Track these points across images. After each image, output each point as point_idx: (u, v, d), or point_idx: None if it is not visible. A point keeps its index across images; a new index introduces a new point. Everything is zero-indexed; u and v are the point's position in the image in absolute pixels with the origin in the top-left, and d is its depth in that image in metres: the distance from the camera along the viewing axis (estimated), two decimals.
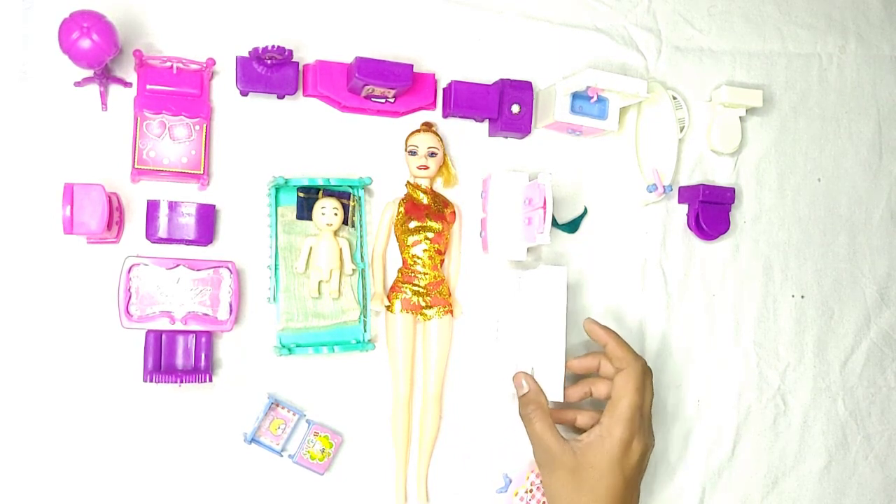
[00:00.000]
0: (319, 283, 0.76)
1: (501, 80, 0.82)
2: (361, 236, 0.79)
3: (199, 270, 0.73)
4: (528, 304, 0.80)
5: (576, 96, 0.82)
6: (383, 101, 0.79)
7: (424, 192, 0.80)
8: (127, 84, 0.73)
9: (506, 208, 0.81)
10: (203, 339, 0.73)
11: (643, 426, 0.75)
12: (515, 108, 0.82)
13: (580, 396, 0.81)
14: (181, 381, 0.71)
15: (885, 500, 1.00)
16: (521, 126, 0.83)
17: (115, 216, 0.70)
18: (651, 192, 0.85)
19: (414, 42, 0.83)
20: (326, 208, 0.76)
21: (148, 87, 0.73)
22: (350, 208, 0.78)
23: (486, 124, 0.85)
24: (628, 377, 0.75)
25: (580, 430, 0.79)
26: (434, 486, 0.81)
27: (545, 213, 0.75)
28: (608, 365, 0.79)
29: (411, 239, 0.79)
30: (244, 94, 0.77)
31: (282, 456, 0.76)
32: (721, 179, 0.93)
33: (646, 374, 0.76)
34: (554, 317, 0.78)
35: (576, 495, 0.73)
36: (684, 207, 0.91)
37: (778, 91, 0.97)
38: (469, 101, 0.81)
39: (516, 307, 0.82)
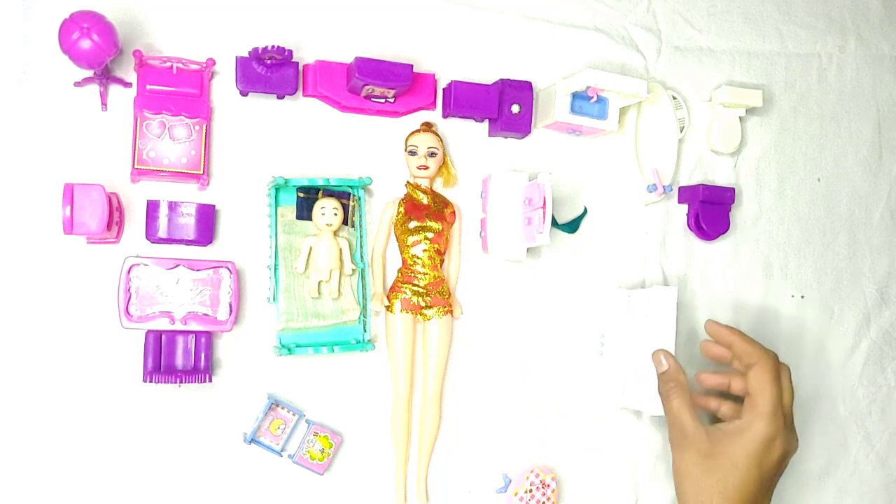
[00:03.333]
0: (319, 283, 0.76)
1: (501, 80, 0.82)
2: (361, 236, 0.79)
3: (198, 270, 0.73)
4: (637, 322, 0.81)
5: (576, 96, 0.82)
6: (383, 101, 0.79)
7: (424, 192, 0.80)
8: (127, 84, 0.73)
9: (505, 208, 0.81)
10: (203, 340, 0.73)
11: (787, 425, 0.72)
12: (515, 108, 0.82)
13: (717, 384, 0.79)
14: (181, 382, 0.71)
15: (885, 500, 0.99)
16: (521, 126, 0.83)
17: (115, 216, 0.70)
18: (651, 192, 0.85)
19: (414, 42, 0.83)
20: (326, 208, 0.76)
21: (148, 87, 0.73)
22: (350, 208, 0.78)
23: (486, 124, 0.85)
24: (762, 370, 0.72)
25: (720, 421, 0.77)
26: (434, 486, 0.81)
27: (545, 213, 0.75)
28: (738, 380, 0.77)
29: (411, 239, 0.79)
30: (244, 94, 0.77)
31: (281, 456, 0.76)
32: (721, 179, 0.93)
33: (781, 368, 0.73)
34: (663, 336, 0.78)
35: (704, 478, 0.70)
36: (684, 207, 0.91)
37: (778, 91, 0.97)
38: (469, 101, 0.81)
39: (624, 325, 0.83)
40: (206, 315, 0.72)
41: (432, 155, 0.79)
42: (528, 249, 0.81)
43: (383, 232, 0.80)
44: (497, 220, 0.81)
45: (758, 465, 0.69)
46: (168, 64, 0.73)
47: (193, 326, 0.72)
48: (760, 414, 0.71)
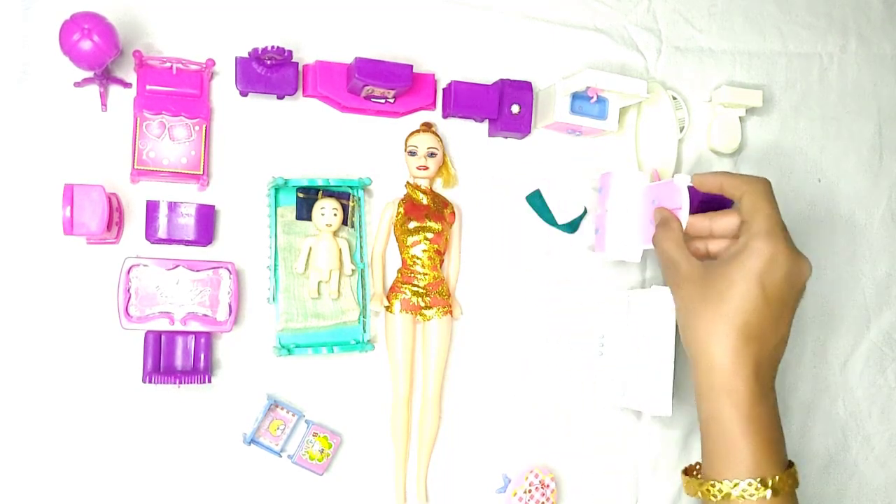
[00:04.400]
0: (319, 283, 0.76)
1: (501, 80, 0.82)
2: (361, 237, 0.79)
3: (198, 271, 0.73)
4: (637, 323, 0.81)
5: (576, 96, 0.82)
6: (383, 101, 0.79)
7: (424, 192, 0.80)
8: (127, 84, 0.73)
9: (626, 207, 0.79)
10: (202, 340, 0.73)
11: (788, 241, 0.65)
12: (515, 109, 0.82)
13: (703, 227, 0.72)
14: (180, 382, 0.71)
15: (885, 500, 0.99)
16: (520, 126, 0.83)
17: (114, 217, 0.71)
18: None
19: (414, 42, 0.83)
20: (326, 209, 0.76)
21: (148, 87, 0.73)
22: (350, 209, 0.78)
23: (485, 124, 0.85)
24: (754, 193, 0.67)
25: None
26: (433, 487, 0.81)
27: (681, 215, 0.72)
28: (725, 217, 0.70)
29: (411, 239, 0.79)
30: (244, 94, 0.77)
31: (281, 456, 0.76)
32: None
33: (771, 190, 0.68)
34: (663, 336, 0.78)
35: (702, 308, 0.64)
36: None
37: (778, 91, 0.97)
38: (469, 101, 0.81)
39: (624, 326, 0.83)
40: (205, 315, 0.73)
41: (432, 155, 0.79)
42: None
43: (383, 232, 0.80)
44: (617, 218, 0.80)
45: (759, 283, 0.62)
46: (168, 64, 0.73)
47: (193, 327, 0.72)
48: (756, 232, 0.64)
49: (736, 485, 0.62)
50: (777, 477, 0.62)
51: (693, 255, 0.70)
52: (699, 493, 0.64)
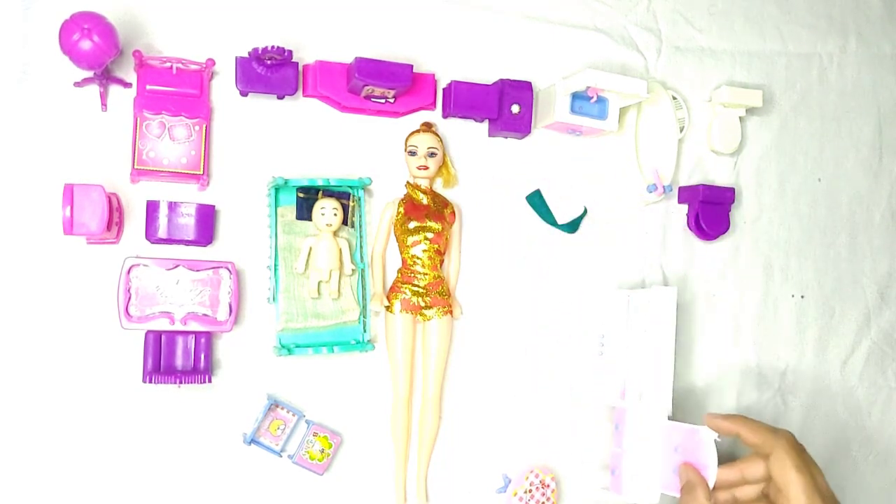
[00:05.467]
0: (319, 283, 0.76)
1: (501, 80, 0.82)
2: (361, 236, 0.79)
3: (198, 271, 0.73)
4: (637, 322, 0.81)
5: (576, 96, 0.82)
6: (383, 101, 0.79)
7: (424, 192, 0.80)
8: (127, 84, 0.73)
9: (643, 448, 0.77)
10: (202, 340, 0.73)
11: None
12: (515, 108, 0.82)
13: (734, 480, 0.72)
14: (180, 382, 0.71)
15: (885, 500, 0.99)
16: (520, 126, 0.83)
17: (114, 217, 0.70)
18: (651, 192, 0.85)
19: (414, 42, 0.83)
20: (326, 209, 0.76)
21: (147, 87, 0.73)
22: (350, 209, 0.78)
23: (485, 124, 0.85)
24: (782, 459, 0.66)
25: None
26: (433, 487, 0.81)
27: (709, 475, 0.69)
28: (755, 466, 0.71)
29: (411, 239, 0.79)
30: (244, 94, 0.77)
31: (281, 456, 0.76)
32: (721, 179, 0.93)
33: (798, 449, 0.67)
34: (663, 335, 0.78)
35: None
36: (684, 207, 0.91)
37: (778, 91, 0.97)
38: (469, 101, 0.81)
39: (624, 325, 0.83)
40: (205, 315, 0.72)
41: (432, 155, 0.79)
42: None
43: (383, 232, 0.80)
44: (634, 460, 0.78)
45: None
46: (168, 64, 0.73)
47: (193, 327, 0.72)
48: None
49: None
50: None
51: None
52: None
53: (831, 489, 0.67)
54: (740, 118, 0.92)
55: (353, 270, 0.78)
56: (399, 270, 0.80)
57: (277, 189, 0.76)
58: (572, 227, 0.87)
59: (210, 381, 0.72)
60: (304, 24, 0.79)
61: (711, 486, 0.68)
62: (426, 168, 0.79)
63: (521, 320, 0.85)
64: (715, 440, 0.70)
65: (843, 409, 0.98)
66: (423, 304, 0.79)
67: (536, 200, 0.85)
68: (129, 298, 0.71)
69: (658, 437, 0.76)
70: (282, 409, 0.76)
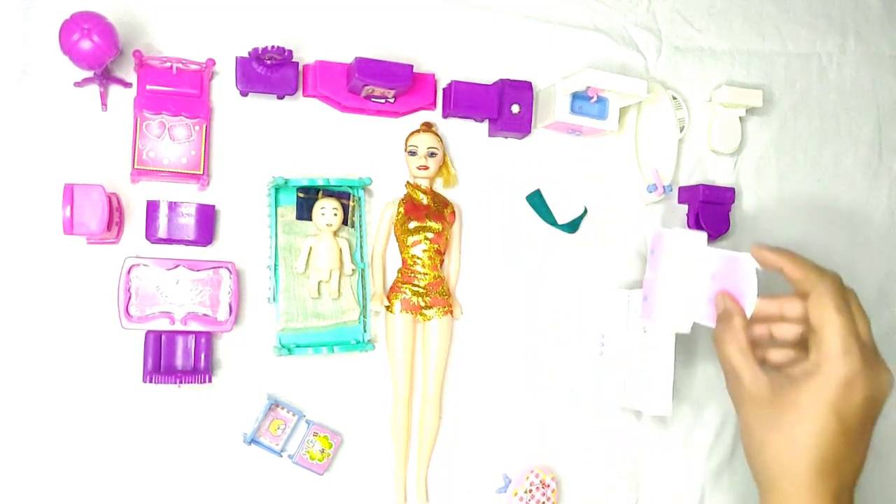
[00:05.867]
0: (319, 283, 0.76)
1: (501, 80, 0.82)
2: (361, 236, 0.79)
3: (198, 271, 0.73)
4: (637, 323, 0.80)
5: (576, 96, 0.82)
6: (383, 101, 0.79)
7: (424, 192, 0.80)
8: (127, 84, 0.73)
9: (680, 276, 0.71)
10: (203, 340, 0.73)
11: (867, 361, 0.58)
12: (515, 108, 0.82)
13: (772, 313, 0.66)
14: (181, 382, 0.71)
15: (885, 500, 0.99)
16: (520, 126, 0.83)
17: (114, 217, 0.70)
18: (651, 192, 0.85)
19: (414, 42, 0.83)
20: (326, 208, 0.76)
21: (148, 87, 0.73)
22: (350, 208, 0.78)
23: (486, 124, 0.85)
24: (822, 299, 0.59)
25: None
26: (433, 487, 0.81)
27: (747, 305, 0.66)
28: (795, 304, 0.64)
29: (411, 239, 0.79)
30: (244, 94, 0.77)
31: (281, 456, 0.76)
32: (721, 179, 0.93)
33: (844, 290, 0.61)
34: (663, 336, 0.78)
35: (771, 433, 0.58)
36: (684, 207, 0.91)
37: (778, 91, 0.97)
38: (469, 101, 0.81)
39: (624, 325, 0.82)
40: (205, 315, 0.72)
41: (432, 155, 0.79)
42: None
43: (383, 232, 0.80)
44: (669, 287, 0.72)
45: (835, 412, 0.56)
46: (168, 64, 0.73)
47: (193, 327, 0.72)
48: (828, 351, 0.57)
49: None
50: None
51: (757, 359, 0.63)
52: None
53: (874, 341, 0.61)
54: (740, 118, 0.92)
55: (353, 270, 0.78)
56: (399, 270, 0.80)
57: (277, 189, 0.76)
58: (572, 227, 0.87)
59: (210, 381, 0.72)
60: (304, 24, 0.79)
61: (749, 315, 0.64)
62: (426, 168, 0.79)
63: (521, 320, 0.85)
64: (756, 269, 0.66)
65: None
66: (423, 304, 0.79)
67: (536, 200, 0.85)
68: (130, 298, 0.71)
69: (695, 263, 0.71)
70: (282, 409, 0.76)
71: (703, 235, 0.72)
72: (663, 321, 0.73)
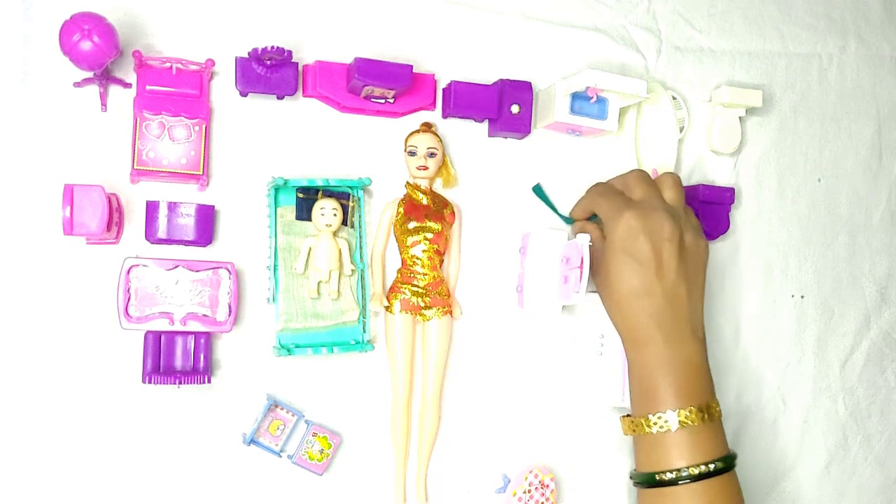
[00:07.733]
0: (319, 283, 0.76)
1: (501, 80, 0.82)
2: (361, 237, 0.79)
3: (198, 271, 0.73)
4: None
5: (575, 96, 0.82)
6: (383, 101, 0.79)
7: (424, 192, 0.80)
8: (126, 85, 0.73)
9: (543, 265, 0.81)
10: (202, 340, 0.73)
11: (637, 208, 0.74)
12: (515, 109, 0.82)
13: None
14: (180, 383, 0.71)
15: (884, 500, 1.00)
16: (520, 126, 0.83)
17: (114, 217, 0.70)
18: None
19: (414, 42, 0.83)
20: (325, 209, 0.76)
21: (147, 87, 0.73)
22: (349, 209, 0.78)
23: (485, 124, 0.85)
24: (588, 198, 0.82)
25: None
26: (433, 487, 0.81)
27: (582, 273, 0.75)
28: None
29: (410, 239, 0.79)
30: (244, 94, 0.77)
31: (281, 456, 0.76)
32: (721, 179, 0.93)
33: (604, 182, 0.81)
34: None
35: (604, 291, 0.78)
36: None
37: (778, 91, 0.97)
38: (469, 101, 0.81)
39: None
40: (205, 316, 0.73)
41: (432, 155, 0.79)
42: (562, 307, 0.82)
43: (383, 232, 0.80)
44: (534, 277, 0.81)
45: (624, 253, 0.74)
46: (168, 64, 0.73)
47: (193, 327, 0.72)
48: (605, 217, 0.77)
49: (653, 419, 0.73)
50: (687, 410, 0.72)
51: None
52: (632, 430, 0.76)
53: (669, 205, 0.77)
54: (740, 118, 0.92)
55: (352, 271, 0.78)
56: (399, 271, 0.80)
57: (277, 189, 0.76)
58: (572, 223, 0.87)
59: (210, 381, 0.73)
60: (304, 24, 0.79)
61: (582, 285, 0.76)
62: (426, 168, 0.79)
63: (521, 320, 0.85)
64: (588, 245, 0.75)
65: (843, 409, 0.98)
66: (422, 304, 0.79)
67: (542, 191, 0.86)
68: (129, 299, 0.71)
69: (553, 255, 0.81)
70: (281, 409, 0.76)
71: (563, 235, 0.81)
72: (533, 308, 0.81)
